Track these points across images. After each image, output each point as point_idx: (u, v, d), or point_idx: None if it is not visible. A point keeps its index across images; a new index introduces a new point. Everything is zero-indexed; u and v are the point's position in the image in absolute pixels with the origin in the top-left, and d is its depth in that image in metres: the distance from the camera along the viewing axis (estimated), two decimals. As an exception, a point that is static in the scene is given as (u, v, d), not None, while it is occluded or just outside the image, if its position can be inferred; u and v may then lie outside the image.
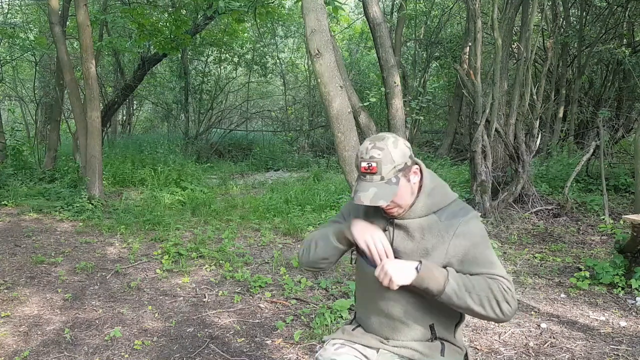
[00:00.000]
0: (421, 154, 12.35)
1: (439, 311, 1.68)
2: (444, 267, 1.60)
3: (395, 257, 1.66)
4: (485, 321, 3.48)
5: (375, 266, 1.64)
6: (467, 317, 2.40)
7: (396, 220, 1.69)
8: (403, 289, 1.60)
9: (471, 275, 1.58)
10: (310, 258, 1.79)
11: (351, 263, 1.87)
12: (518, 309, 3.71)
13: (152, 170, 9.55)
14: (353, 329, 1.83)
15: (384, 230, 1.71)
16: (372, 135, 2.11)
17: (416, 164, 1.67)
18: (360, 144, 1.80)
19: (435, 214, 1.66)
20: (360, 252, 1.74)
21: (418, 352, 1.68)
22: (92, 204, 6.99)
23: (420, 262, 1.57)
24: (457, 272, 1.60)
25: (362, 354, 1.75)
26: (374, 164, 1.57)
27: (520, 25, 7.24)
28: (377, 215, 1.74)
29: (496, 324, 3.44)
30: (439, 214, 1.66)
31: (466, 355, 1.78)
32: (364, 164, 1.59)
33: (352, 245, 1.72)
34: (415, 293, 1.62)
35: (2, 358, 3.02)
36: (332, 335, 1.85)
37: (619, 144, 10.08)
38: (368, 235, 1.64)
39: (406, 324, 1.69)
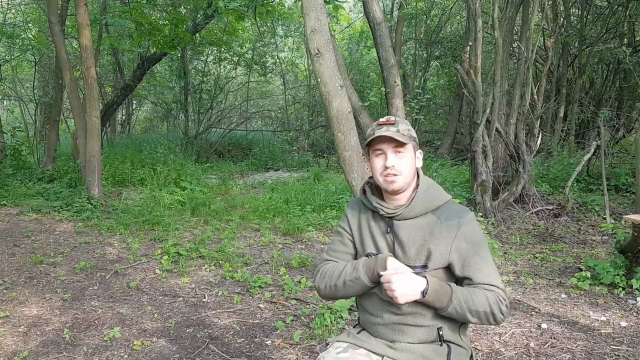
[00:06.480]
0: (421, 154, 12.30)
1: None
2: (448, 272, 1.66)
3: (397, 260, 1.67)
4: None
5: None
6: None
7: (395, 222, 1.69)
8: None
9: (470, 281, 1.63)
10: (337, 295, 1.77)
11: None
12: (519, 309, 3.71)
13: (152, 170, 9.54)
14: (358, 332, 1.81)
15: (386, 232, 1.71)
16: None
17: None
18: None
19: (434, 213, 1.68)
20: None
21: (424, 357, 1.66)
22: (92, 204, 6.97)
23: (427, 283, 1.58)
24: (458, 274, 1.65)
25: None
26: (392, 118, 1.70)
27: (521, 24, 7.23)
28: (376, 217, 1.74)
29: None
30: (437, 214, 1.68)
31: (471, 356, 1.77)
32: (382, 120, 1.70)
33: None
34: None
35: (2, 358, 3.01)
36: (336, 338, 1.82)
37: (620, 144, 10.07)
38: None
39: (413, 324, 1.67)
